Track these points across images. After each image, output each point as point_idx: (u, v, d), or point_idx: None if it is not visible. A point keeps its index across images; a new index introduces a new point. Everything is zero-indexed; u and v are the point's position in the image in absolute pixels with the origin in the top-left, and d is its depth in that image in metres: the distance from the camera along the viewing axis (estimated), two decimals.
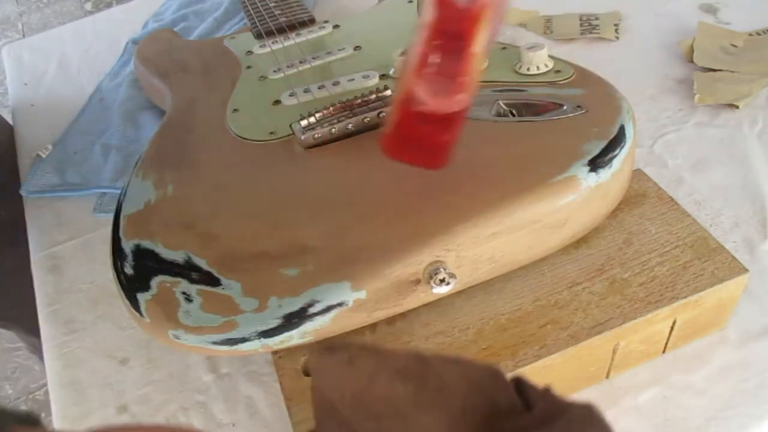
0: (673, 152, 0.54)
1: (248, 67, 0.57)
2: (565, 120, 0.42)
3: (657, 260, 0.40)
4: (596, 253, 0.41)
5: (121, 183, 0.60)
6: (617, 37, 0.65)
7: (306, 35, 0.59)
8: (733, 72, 0.58)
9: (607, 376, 0.41)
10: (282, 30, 0.60)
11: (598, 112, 0.43)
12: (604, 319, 0.38)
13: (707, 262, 0.39)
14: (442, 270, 0.36)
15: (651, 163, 0.53)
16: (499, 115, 0.44)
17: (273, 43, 0.59)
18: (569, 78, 0.46)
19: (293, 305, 0.36)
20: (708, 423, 0.39)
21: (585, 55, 0.63)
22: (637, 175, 0.45)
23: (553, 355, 0.37)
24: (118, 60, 0.75)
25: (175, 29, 0.75)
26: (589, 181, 0.39)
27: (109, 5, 2.27)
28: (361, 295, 0.36)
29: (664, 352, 0.42)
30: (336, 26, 0.60)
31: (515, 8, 0.71)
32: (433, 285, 0.36)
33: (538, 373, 0.37)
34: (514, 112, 0.45)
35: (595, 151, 0.40)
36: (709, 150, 0.54)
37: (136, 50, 0.64)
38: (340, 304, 0.36)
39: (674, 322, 0.39)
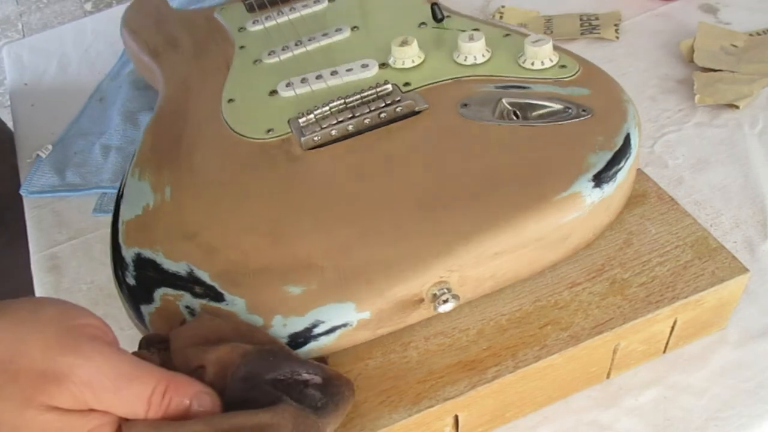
0: (674, 152, 0.54)
1: (241, 47, 0.55)
2: (569, 125, 0.41)
3: (657, 260, 0.40)
4: (596, 253, 0.41)
5: None
6: (617, 37, 0.65)
7: (300, 10, 0.56)
8: (733, 72, 0.58)
9: (608, 376, 0.41)
10: (275, 2, 0.58)
11: (604, 118, 0.42)
12: (605, 320, 0.38)
13: (708, 262, 0.39)
14: (446, 291, 0.36)
15: (651, 163, 0.53)
16: (502, 115, 0.44)
17: (266, 18, 0.56)
18: (574, 75, 0.45)
19: (298, 325, 0.36)
20: (708, 423, 0.39)
21: (585, 55, 0.62)
22: (638, 175, 0.45)
23: (554, 356, 0.37)
24: (118, 60, 0.75)
25: None
26: (593, 197, 0.38)
27: (109, 5, 2.27)
28: (366, 315, 0.36)
29: (664, 352, 0.42)
30: (331, 0, 0.58)
31: (516, 8, 0.71)
32: (437, 305, 0.36)
33: (539, 373, 0.37)
34: (517, 113, 0.44)
35: (600, 165, 0.39)
36: (709, 150, 0.54)
37: (123, 20, 0.62)
38: (344, 325, 0.36)
39: (675, 322, 0.39)
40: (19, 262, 0.60)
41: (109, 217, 0.57)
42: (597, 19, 0.68)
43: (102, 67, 0.75)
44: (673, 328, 0.40)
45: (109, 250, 0.41)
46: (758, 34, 0.62)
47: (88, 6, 2.34)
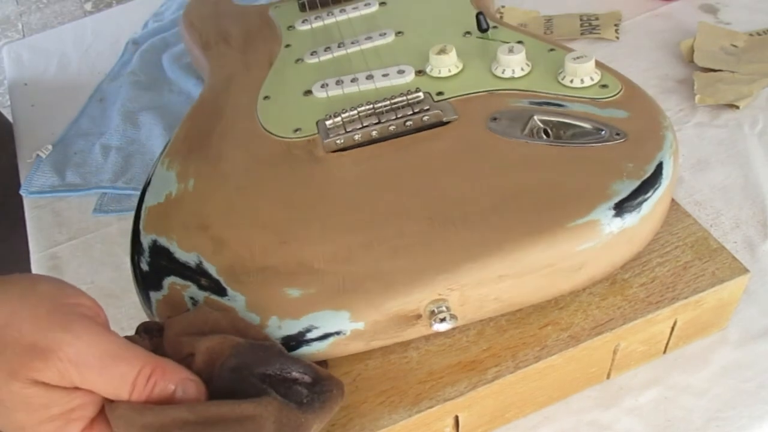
0: None
1: (287, 46, 0.55)
2: (600, 148, 0.39)
3: (657, 261, 0.40)
4: None
5: (121, 183, 0.60)
6: (617, 37, 0.65)
7: (350, 12, 0.57)
8: (733, 72, 0.58)
9: (608, 377, 0.41)
10: (326, 2, 0.58)
11: (638, 144, 0.39)
12: (605, 320, 0.38)
13: (708, 262, 0.39)
14: (444, 309, 0.35)
15: None
16: (531, 132, 0.42)
17: (315, 18, 0.57)
18: (615, 95, 0.43)
19: (292, 328, 0.35)
20: (708, 423, 0.39)
21: None
22: None
23: (554, 356, 0.37)
24: (118, 60, 0.75)
25: (174, 30, 0.75)
26: (612, 226, 0.36)
27: (109, 5, 2.27)
28: (360, 326, 0.36)
29: (664, 352, 0.42)
30: (382, 3, 0.58)
31: (516, 8, 0.71)
32: (434, 322, 0.35)
33: (539, 373, 0.37)
34: (548, 131, 0.42)
35: (624, 193, 0.37)
36: (709, 150, 0.54)
37: (183, 13, 0.63)
38: (337, 333, 0.36)
39: (675, 323, 0.39)
40: (17, 254, 0.60)
41: (109, 218, 0.58)
42: (597, 19, 0.68)
43: (102, 67, 0.75)
44: (673, 328, 0.40)
45: (130, 236, 0.42)
46: (758, 34, 0.62)
47: (88, 6, 2.34)
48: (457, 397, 0.36)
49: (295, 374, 0.33)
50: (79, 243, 0.56)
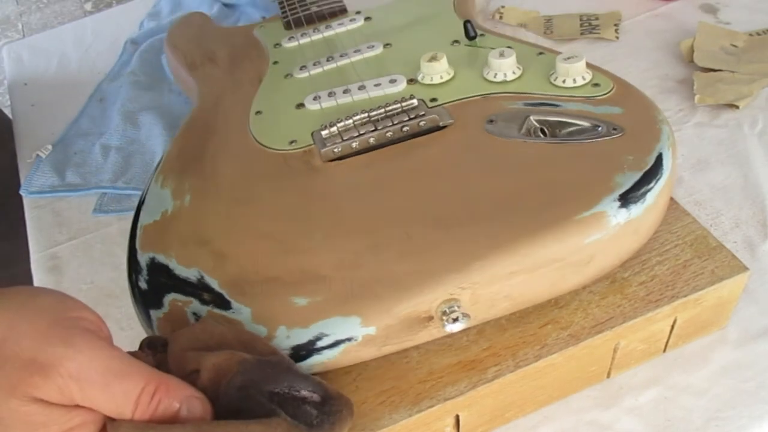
0: None
1: (275, 63, 0.56)
2: (598, 144, 0.40)
3: (657, 259, 0.40)
4: None
5: (121, 183, 0.60)
6: (617, 37, 0.65)
7: (336, 28, 0.57)
8: (733, 72, 0.58)
9: (608, 376, 0.41)
10: (311, 20, 0.59)
11: (635, 137, 0.40)
12: (605, 319, 0.38)
13: (707, 260, 0.39)
14: (456, 308, 0.35)
15: None
16: (528, 132, 0.42)
17: (302, 35, 0.58)
18: (607, 93, 0.44)
19: (302, 337, 0.35)
20: (708, 423, 0.39)
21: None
22: None
23: (554, 355, 0.37)
24: (118, 60, 0.75)
25: None
26: (618, 218, 0.37)
27: (109, 5, 2.27)
28: (371, 331, 0.35)
29: (664, 351, 0.42)
30: (368, 18, 0.58)
31: (515, 8, 0.71)
32: (446, 323, 0.34)
33: (539, 372, 0.37)
34: (545, 130, 0.42)
35: (628, 185, 0.37)
36: (709, 150, 0.54)
37: (167, 36, 0.63)
38: (348, 339, 0.35)
39: (674, 321, 0.39)
40: (17, 254, 0.60)
41: (109, 217, 0.58)
42: (597, 19, 0.68)
43: (102, 67, 0.75)
44: (672, 327, 0.40)
45: (126, 256, 0.41)
46: (758, 34, 0.62)
47: (88, 6, 2.34)
48: (458, 396, 0.36)
49: (304, 393, 0.33)
50: (79, 243, 0.56)
